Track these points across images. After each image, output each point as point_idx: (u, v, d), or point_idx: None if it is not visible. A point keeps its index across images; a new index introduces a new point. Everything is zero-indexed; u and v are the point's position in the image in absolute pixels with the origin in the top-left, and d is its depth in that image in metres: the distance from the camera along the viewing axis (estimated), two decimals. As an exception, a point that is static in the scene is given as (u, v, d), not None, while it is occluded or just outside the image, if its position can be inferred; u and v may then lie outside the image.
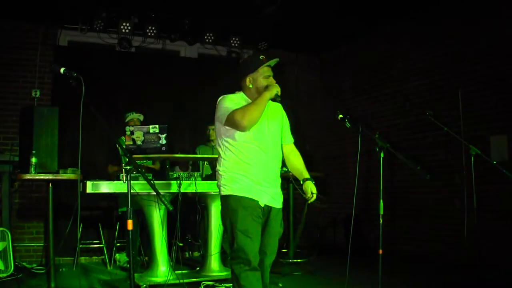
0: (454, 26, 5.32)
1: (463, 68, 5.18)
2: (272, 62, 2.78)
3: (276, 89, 2.67)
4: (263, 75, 2.75)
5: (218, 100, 2.77)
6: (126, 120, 5.06)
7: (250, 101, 2.74)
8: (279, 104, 2.89)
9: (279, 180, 2.84)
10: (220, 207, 2.79)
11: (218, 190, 2.80)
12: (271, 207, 2.72)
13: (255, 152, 2.69)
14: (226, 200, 2.70)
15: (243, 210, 2.61)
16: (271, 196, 2.72)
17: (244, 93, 2.81)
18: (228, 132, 2.71)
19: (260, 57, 2.79)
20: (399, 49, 6.11)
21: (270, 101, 2.71)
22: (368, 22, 6.03)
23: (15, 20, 5.69)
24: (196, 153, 5.33)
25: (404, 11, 5.63)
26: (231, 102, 2.71)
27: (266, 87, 2.70)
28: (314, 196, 2.81)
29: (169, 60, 6.52)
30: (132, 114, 5.12)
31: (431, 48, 5.63)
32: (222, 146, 2.78)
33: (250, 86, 2.76)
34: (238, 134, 2.69)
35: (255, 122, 2.64)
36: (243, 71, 2.82)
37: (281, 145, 2.93)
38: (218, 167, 2.80)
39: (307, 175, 2.92)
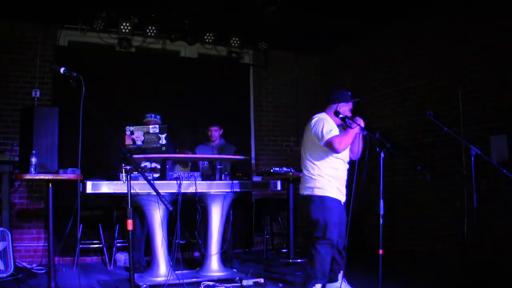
0: (454, 26, 5.31)
1: (463, 68, 5.18)
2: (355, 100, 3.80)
3: (361, 123, 3.52)
4: (349, 108, 3.75)
5: (318, 118, 3.72)
6: (144, 121, 5.00)
7: (334, 124, 3.68)
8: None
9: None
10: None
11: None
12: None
13: (341, 164, 3.72)
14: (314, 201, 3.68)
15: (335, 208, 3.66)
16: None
17: (328, 115, 3.76)
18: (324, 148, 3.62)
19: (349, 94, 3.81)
20: (399, 49, 6.11)
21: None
22: (368, 22, 6.03)
23: (15, 20, 5.68)
24: (195, 153, 5.33)
25: (404, 11, 5.63)
26: (330, 125, 3.63)
27: (353, 119, 3.56)
28: None
29: (169, 60, 6.53)
30: (151, 117, 5.06)
31: (431, 48, 5.62)
32: (315, 155, 3.68)
33: (337, 111, 3.66)
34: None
35: (346, 148, 3.62)
36: (337, 97, 3.78)
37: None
38: (310, 172, 3.70)
39: None
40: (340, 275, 3.76)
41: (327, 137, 3.54)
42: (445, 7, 5.34)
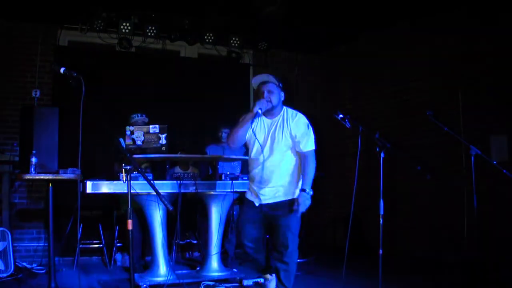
0: (454, 26, 5.31)
1: (463, 68, 5.18)
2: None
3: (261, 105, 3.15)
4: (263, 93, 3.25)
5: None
6: (131, 122, 5.03)
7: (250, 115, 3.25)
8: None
9: None
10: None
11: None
12: None
13: (255, 163, 3.30)
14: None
15: None
16: None
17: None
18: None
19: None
20: (399, 49, 6.10)
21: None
22: (368, 22, 6.03)
23: (15, 20, 5.68)
24: (205, 152, 5.32)
25: (404, 11, 5.63)
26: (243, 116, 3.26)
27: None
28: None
29: (169, 60, 6.53)
30: (137, 116, 5.09)
31: (431, 48, 5.62)
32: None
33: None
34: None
35: (235, 140, 3.26)
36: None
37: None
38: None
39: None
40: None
41: None
42: (445, 7, 5.34)
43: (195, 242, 5.75)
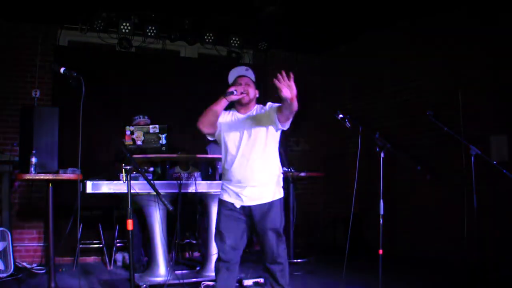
0: (454, 26, 5.31)
1: (463, 68, 5.18)
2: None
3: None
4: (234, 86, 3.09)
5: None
6: (133, 123, 5.03)
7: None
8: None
9: None
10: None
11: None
12: None
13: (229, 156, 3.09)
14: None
15: None
16: None
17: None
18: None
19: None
20: (399, 49, 6.10)
21: None
22: (368, 22, 6.03)
23: (15, 20, 5.68)
24: (206, 151, 5.31)
25: (404, 11, 5.63)
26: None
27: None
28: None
29: (169, 60, 6.52)
30: (140, 118, 5.08)
31: (431, 48, 5.62)
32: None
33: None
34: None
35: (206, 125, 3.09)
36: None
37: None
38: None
39: None
40: None
41: None
42: (445, 7, 5.34)
43: (195, 242, 5.75)
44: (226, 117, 3.11)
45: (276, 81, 2.66)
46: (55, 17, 5.70)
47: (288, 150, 7.23)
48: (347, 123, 3.58)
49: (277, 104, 2.97)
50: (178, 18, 6.03)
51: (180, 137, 6.03)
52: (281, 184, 3.08)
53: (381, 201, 3.29)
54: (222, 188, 3.11)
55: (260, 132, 2.99)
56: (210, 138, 3.24)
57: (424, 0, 5.29)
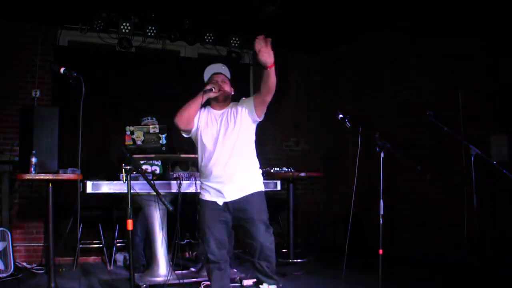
0: (454, 26, 5.31)
1: (463, 68, 5.18)
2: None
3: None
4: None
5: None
6: (142, 124, 5.00)
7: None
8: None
9: None
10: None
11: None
12: None
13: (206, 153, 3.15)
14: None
15: None
16: None
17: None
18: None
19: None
20: (399, 49, 6.10)
21: None
22: (368, 22, 6.03)
23: (15, 20, 5.68)
24: None
25: (404, 11, 5.63)
26: None
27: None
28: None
29: (169, 60, 6.52)
30: (148, 119, 5.07)
31: (431, 48, 5.62)
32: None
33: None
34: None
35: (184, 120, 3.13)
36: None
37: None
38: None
39: None
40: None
41: None
42: (445, 7, 5.34)
43: (195, 242, 5.74)
44: (202, 114, 3.17)
45: (256, 44, 2.69)
46: (55, 17, 5.70)
47: (288, 150, 7.24)
48: (347, 123, 3.58)
49: (249, 100, 3.06)
50: (178, 18, 6.03)
51: (180, 137, 6.04)
52: (261, 178, 3.14)
53: (381, 201, 3.29)
54: (201, 188, 3.14)
55: (236, 127, 3.04)
56: (185, 135, 3.27)
57: (424, 0, 5.29)
